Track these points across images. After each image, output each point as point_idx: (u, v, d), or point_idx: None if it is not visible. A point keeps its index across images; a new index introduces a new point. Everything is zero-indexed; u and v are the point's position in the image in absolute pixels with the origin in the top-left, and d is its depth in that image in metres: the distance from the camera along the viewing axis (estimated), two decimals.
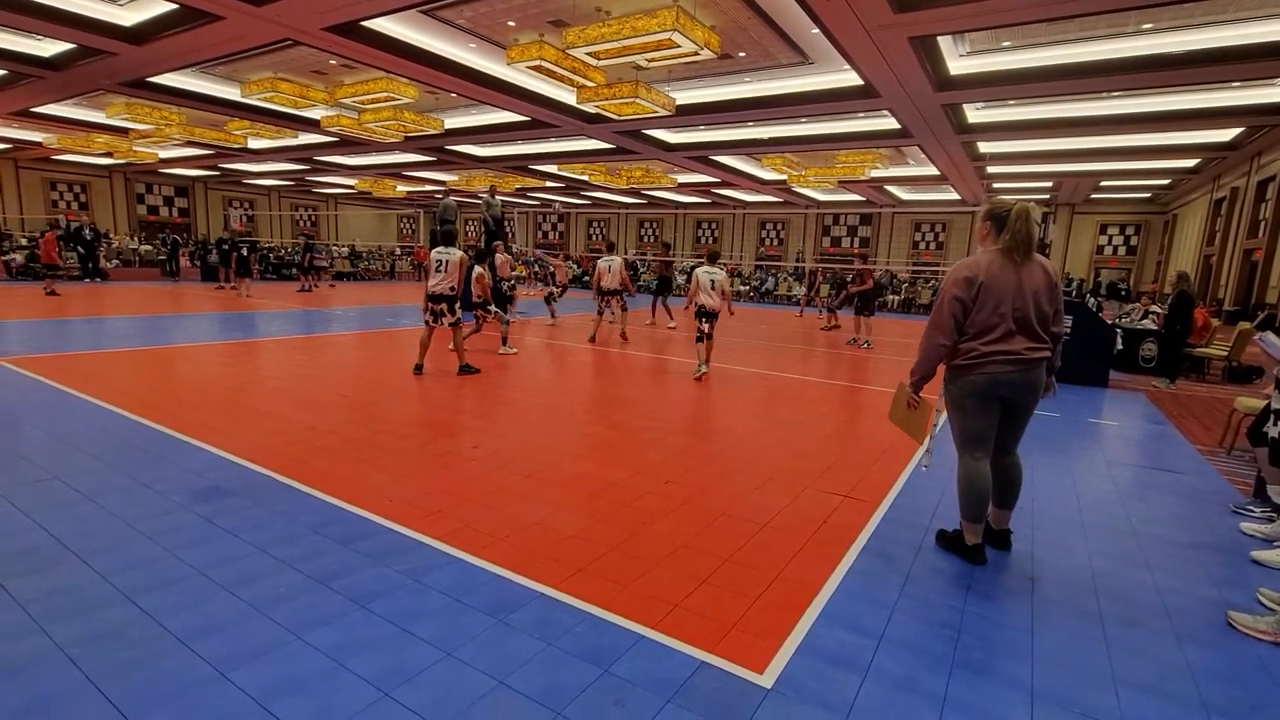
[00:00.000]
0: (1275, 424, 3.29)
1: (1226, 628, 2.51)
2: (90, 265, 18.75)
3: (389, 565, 2.68)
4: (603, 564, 2.77)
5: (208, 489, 3.42)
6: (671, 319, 13.29)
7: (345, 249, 30.30)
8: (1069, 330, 7.75)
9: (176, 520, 3.03)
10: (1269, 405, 3.43)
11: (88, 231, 19.09)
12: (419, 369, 6.83)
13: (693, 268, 12.67)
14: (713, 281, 7.23)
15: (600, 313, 10.46)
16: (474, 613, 2.35)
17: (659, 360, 8.68)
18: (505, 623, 2.30)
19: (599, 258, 10.82)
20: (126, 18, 10.69)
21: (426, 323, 6.80)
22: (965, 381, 2.86)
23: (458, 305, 6.71)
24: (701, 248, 35.54)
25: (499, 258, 10.35)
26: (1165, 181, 21.11)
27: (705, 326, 7.24)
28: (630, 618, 2.36)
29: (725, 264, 11.40)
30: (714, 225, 35.43)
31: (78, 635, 2.13)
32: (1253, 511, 3.69)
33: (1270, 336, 3.36)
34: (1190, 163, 17.55)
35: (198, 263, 22.94)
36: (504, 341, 8.18)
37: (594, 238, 39.27)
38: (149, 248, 25.10)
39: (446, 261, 6.61)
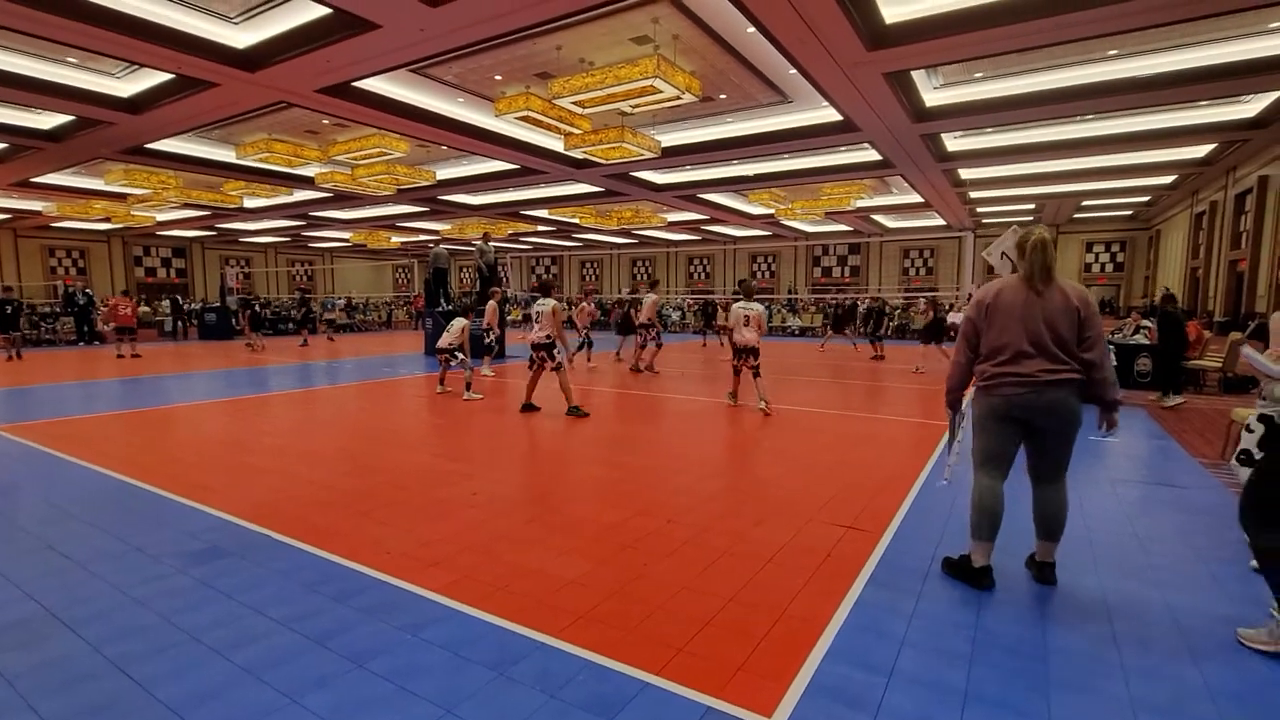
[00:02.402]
0: (1254, 444, 3.29)
1: (1241, 645, 2.46)
2: (85, 329, 18.87)
3: (387, 621, 2.63)
4: (604, 609, 2.73)
5: (203, 551, 3.38)
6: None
7: (341, 300, 30.57)
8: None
9: (171, 584, 2.98)
10: (1248, 425, 3.43)
11: (81, 296, 19.28)
12: (528, 407, 7.34)
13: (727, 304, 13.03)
14: (747, 317, 7.24)
15: (642, 345, 11.30)
16: (474, 666, 2.30)
17: (656, 398, 8.68)
18: (506, 675, 2.24)
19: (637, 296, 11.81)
20: (125, 89, 11.02)
21: (530, 368, 7.35)
22: (984, 403, 2.98)
23: (557, 352, 7.09)
24: (695, 283, 35.90)
25: (489, 305, 10.72)
26: (1146, 198, 21.52)
27: (737, 362, 7.45)
28: (634, 664, 2.31)
29: (718, 297, 11.61)
30: (706, 261, 35.88)
31: (66, 710, 2.08)
32: None
33: (1248, 350, 3.38)
34: (1168, 179, 17.93)
35: (194, 322, 23.08)
36: (468, 387, 8.35)
37: (587, 279, 39.69)
38: (146, 309, 25.29)
39: (542, 312, 7.08)
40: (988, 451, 2.99)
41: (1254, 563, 3.27)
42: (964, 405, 3.30)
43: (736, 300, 7.56)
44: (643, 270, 37.75)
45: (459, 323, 8.59)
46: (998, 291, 2.90)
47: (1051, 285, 2.84)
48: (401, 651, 2.40)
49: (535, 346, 7.13)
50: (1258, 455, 3.26)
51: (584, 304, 13.56)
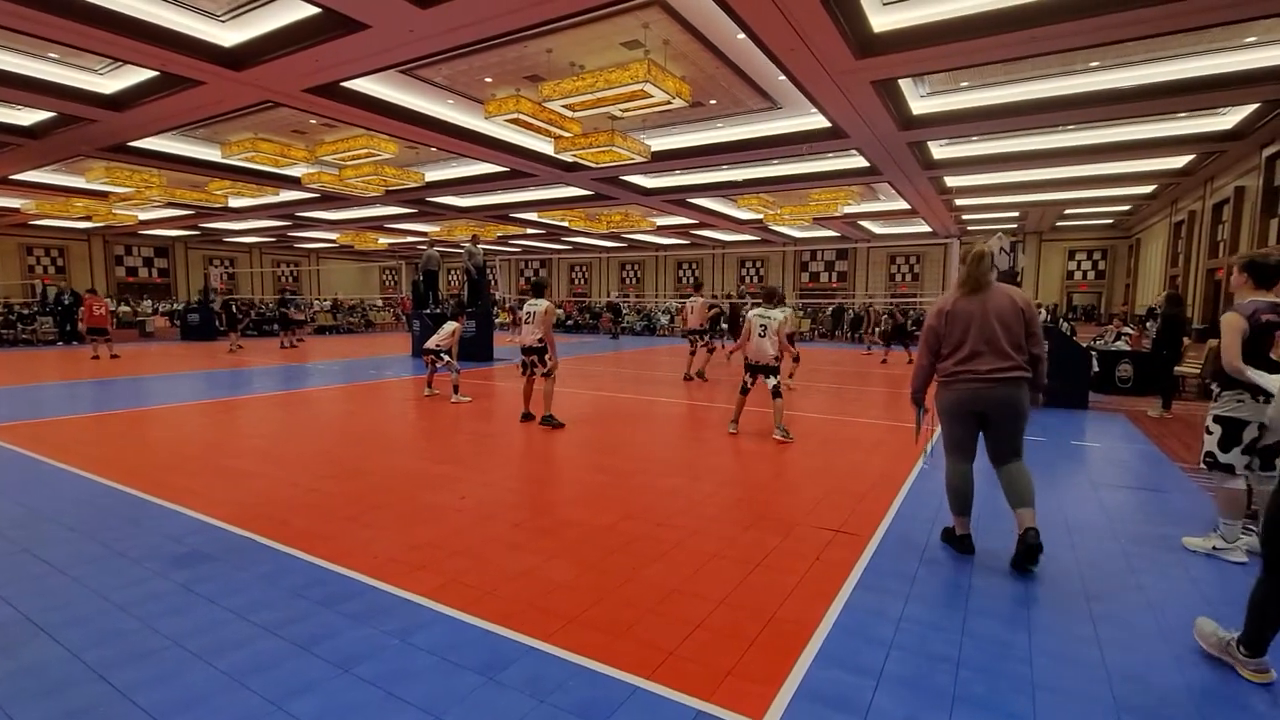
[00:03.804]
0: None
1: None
2: (67, 329, 18.54)
3: (374, 626, 2.60)
4: (594, 613, 2.72)
5: (185, 555, 3.32)
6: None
7: (327, 303, 30.30)
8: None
9: (152, 589, 2.93)
10: (1206, 427, 3.44)
11: (68, 296, 18.96)
12: (526, 417, 6.98)
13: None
14: (764, 327, 6.06)
15: (693, 351, 10.88)
16: (463, 672, 2.28)
17: (649, 402, 8.68)
18: (495, 681, 2.23)
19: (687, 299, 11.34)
20: (107, 86, 10.86)
21: (523, 374, 6.98)
22: (943, 397, 3.36)
23: (548, 357, 6.73)
24: (684, 287, 35.92)
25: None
26: (1126, 208, 21.90)
27: (749, 379, 6.27)
28: (624, 669, 2.30)
29: (715, 301, 10.52)
30: (694, 265, 35.98)
31: (45, 717, 2.03)
32: (1252, 529, 3.67)
33: (1250, 373, 3.23)
34: (1148, 189, 18.26)
35: (176, 323, 22.79)
36: (455, 390, 8.31)
37: (576, 282, 39.67)
38: (126, 309, 24.94)
39: (534, 313, 6.75)
40: (954, 439, 3.39)
41: (1234, 555, 3.32)
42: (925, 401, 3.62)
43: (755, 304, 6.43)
44: (632, 274, 37.78)
45: (450, 325, 8.52)
46: (955, 299, 3.28)
47: (993, 290, 3.23)
48: (389, 656, 2.38)
49: (527, 350, 6.81)
50: (1222, 458, 3.29)
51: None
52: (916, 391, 3.53)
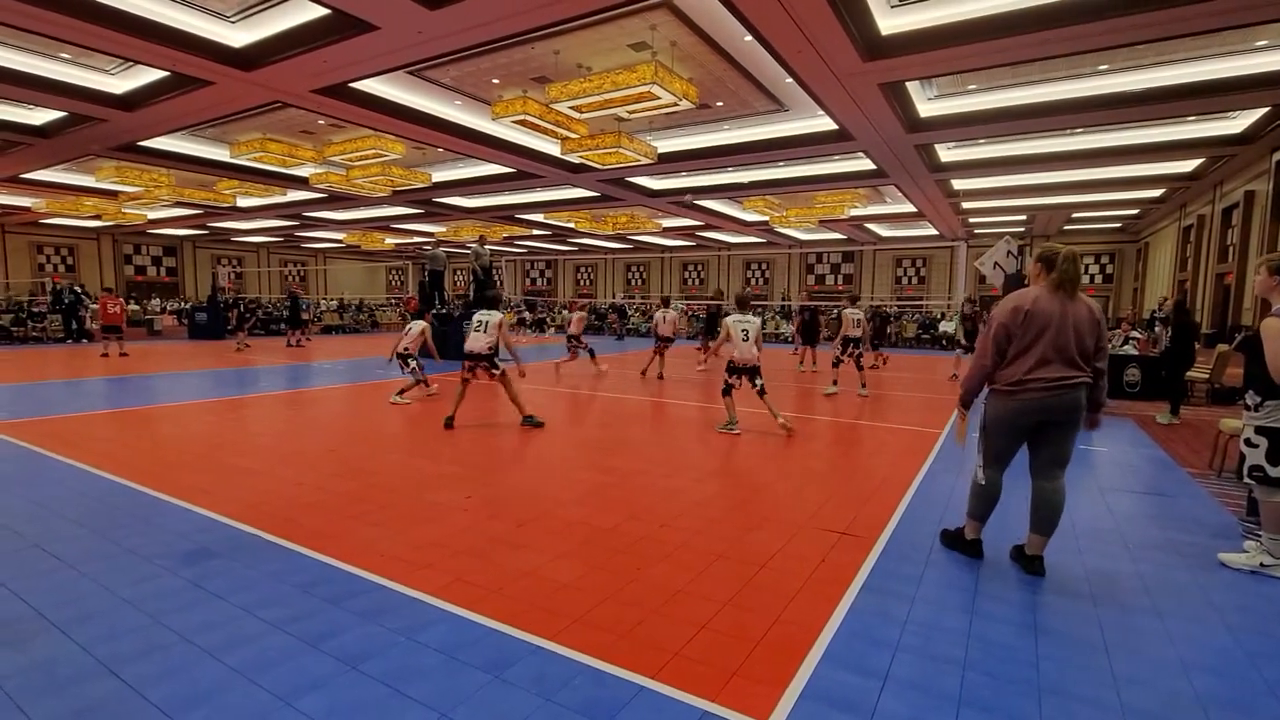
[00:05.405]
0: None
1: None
2: (74, 326, 18.66)
3: (381, 623, 2.61)
4: (600, 613, 2.72)
5: (194, 551, 3.35)
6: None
7: (334, 302, 30.42)
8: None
9: (161, 585, 2.95)
10: (1247, 439, 3.33)
11: (67, 295, 19.08)
12: (449, 422, 6.66)
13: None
14: (746, 332, 6.45)
15: (656, 355, 11.24)
16: (469, 670, 2.29)
17: (649, 403, 8.69)
18: (501, 679, 2.24)
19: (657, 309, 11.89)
20: (118, 86, 10.96)
21: (463, 379, 6.87)
22: (1002, 406, 3.17)
23: (499, 360, 6.75)
24: (689, 289, 35.92)
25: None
26: (1134, 211, 21.78)
27: (734, 381, 6.57)
28: (630, 668, 2.31)
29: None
30: (700, 267, 36.00)
31: (56, 711, 2.05)
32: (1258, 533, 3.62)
33: None
34: (1156, 193, 18.16)
35: (184, 321, 22.92)
36: (400, 392, 8.27)
37: (581, 283, 39.74)
38: (135, 307, 25.12)
39: (487, 323, 6.77)
40: (1000, 449, 3.25)
41: (1243, 565, 3.28)
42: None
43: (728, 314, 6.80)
44: (637, 275, 37.81)
45: (418, 325, 8.30)
46: (1035, 299, 3.05)
47: (1076, 295, 3.08)
48: (396, 654, 2.39)
49: (473, 356, 6.64)
50: (1272, 471, 3.13)
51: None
52: (969, 393, 3.30)
